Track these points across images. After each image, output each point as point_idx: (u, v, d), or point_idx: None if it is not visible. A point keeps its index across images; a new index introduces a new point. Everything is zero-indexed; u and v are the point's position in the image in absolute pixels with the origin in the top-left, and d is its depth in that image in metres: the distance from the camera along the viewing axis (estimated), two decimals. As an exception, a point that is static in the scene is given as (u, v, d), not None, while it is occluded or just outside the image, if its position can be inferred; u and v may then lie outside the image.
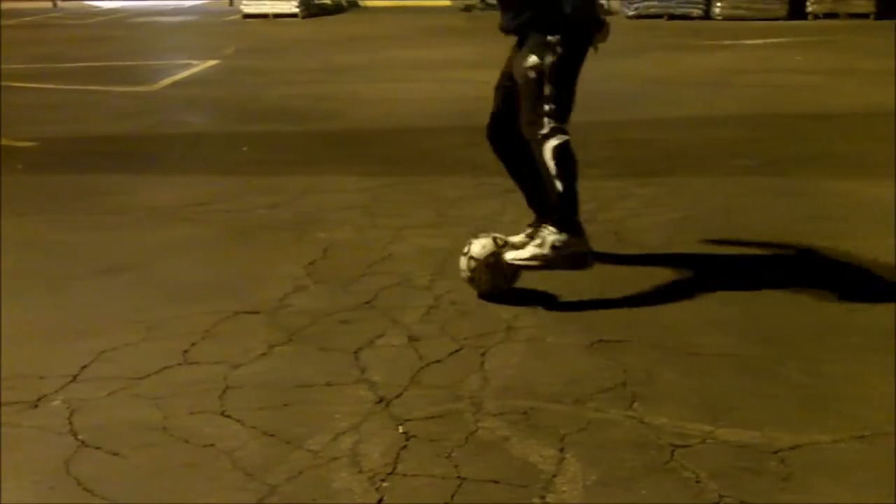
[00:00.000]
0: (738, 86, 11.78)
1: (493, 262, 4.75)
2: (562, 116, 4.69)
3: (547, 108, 4.66)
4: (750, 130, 8.90)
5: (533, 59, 4.64)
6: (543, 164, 4.68)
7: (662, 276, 5.06)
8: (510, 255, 4.75)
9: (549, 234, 4.70)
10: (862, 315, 4.54)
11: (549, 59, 4.63)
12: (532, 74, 4.65)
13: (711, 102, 10.51)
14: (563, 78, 4.67)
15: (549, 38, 4.64)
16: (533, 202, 5.12)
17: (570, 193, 4.71)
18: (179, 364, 4.08)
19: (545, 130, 4.65)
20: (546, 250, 4.69)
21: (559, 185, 4.67)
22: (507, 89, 4.91)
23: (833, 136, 8.60)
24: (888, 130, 8.79)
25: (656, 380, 3.88)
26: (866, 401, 3.69)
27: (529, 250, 4.74)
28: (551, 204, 4.74)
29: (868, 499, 3.06)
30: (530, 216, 5.18)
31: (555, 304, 4.70)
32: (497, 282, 4.79)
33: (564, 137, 4.65)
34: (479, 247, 4.78)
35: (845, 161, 7.63)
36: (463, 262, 4.81)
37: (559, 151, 4.64)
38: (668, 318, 4.53)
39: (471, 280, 4.80)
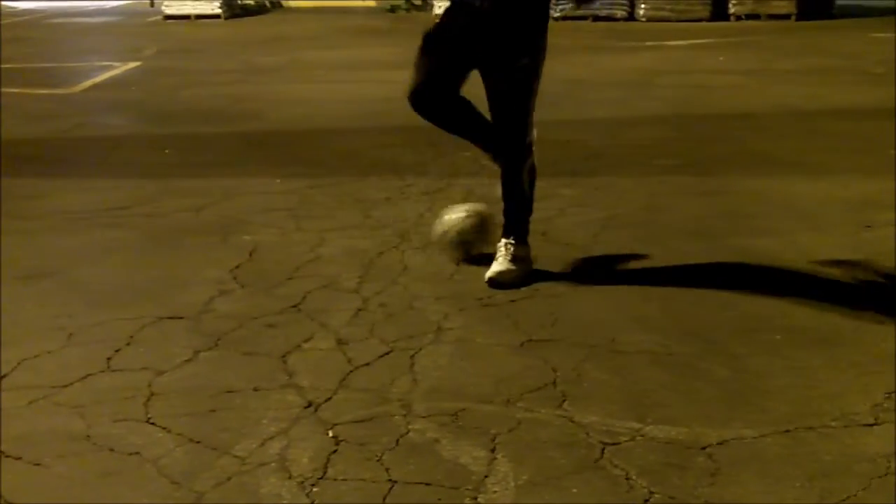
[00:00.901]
0: (661, 86, 11.89)
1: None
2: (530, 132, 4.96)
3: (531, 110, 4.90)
4: (672, 130, 8.99)
5: (527, 60, 4.80)
6: (519, 175, 4.96)
7: (588, 274, 5.09)
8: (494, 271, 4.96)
9: (516, 249, 5.00)
10: (783, 311, 4.60)
11: (537, 60, 4.83)
12: (524, 75, 4.79)
13: (634, 103, 10.59)
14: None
15: (540, 40, 4.81)
16: (487, 145, 5.08)
17: (530, 207, 5.13)
18: (102, 371, 4.02)
19: (529, 140, 4.93)
20: (519, 266, 4.97)
21: (530, 202, 5.10)
22: (453, 56, 4.86)
23: (752, 135, 8.71)
24: (803, 129, 8.95)
25: (585, 378, 3.90)
26: (788, 396, 3.74)
27: (505, 265, 4.97)
28: (522, 218, 5.05)
29: (792, 492, 3.10)
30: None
31: (484, 305, 4.70)
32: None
33: (532, 155, 5.00)
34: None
35: (763, 159, 7.73)
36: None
37: (533, 171, 5.06)
38: (595, 316, 4.55)
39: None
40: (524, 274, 4.96)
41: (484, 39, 4.80)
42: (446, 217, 5.31)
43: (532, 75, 4.83)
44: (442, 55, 4.88)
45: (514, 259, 4.97)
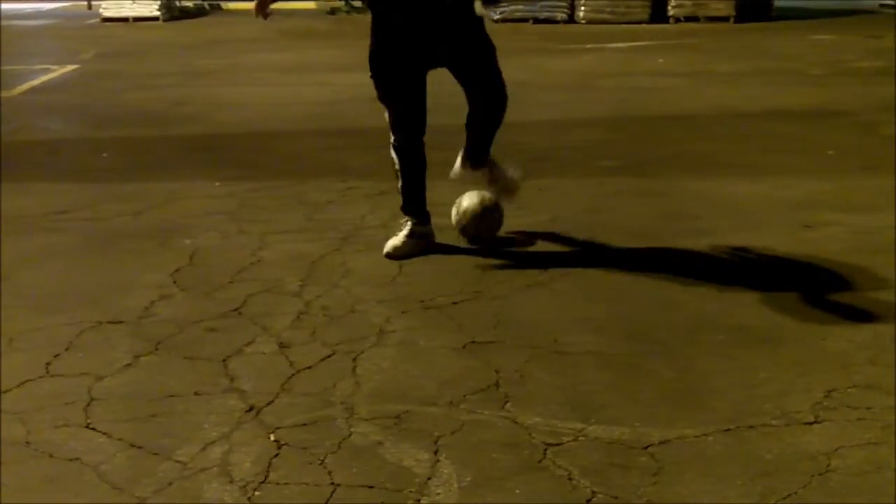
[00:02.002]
0: (602, 88, 11.94)
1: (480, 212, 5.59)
2: None
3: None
4: (613, 132, 9.03)
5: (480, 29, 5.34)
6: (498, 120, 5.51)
7: (531, 276, 5.10)
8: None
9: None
10: (726, 311, 4.63)
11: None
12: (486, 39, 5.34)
13: (576, 105, 10.63)
14: None
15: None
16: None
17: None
18: (42, 377, 3.97)
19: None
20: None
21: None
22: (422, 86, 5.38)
23: (692, 137, 8.77)
24: (743, 130, 9.03)
25: (528, 380, 3.91)
26: (731, 395, 3.76)
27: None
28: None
29: (734, 491, 3.12)
30: (399, 219, 5.53)
31: (426, 307, 4.69)
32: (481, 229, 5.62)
33: None
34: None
35: (704, 161, 7.78)
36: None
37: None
38: (538, 317, 4.56)
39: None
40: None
41: (446, 28, 5.23)
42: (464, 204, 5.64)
43: (488, 39, 5.35)
44: (412, 90, 5.36)
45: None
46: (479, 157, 5.63)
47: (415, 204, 5.52)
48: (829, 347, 4.19)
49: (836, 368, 3.97)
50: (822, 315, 4.57)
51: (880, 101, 10.59)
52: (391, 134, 5.45)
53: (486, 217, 5.62)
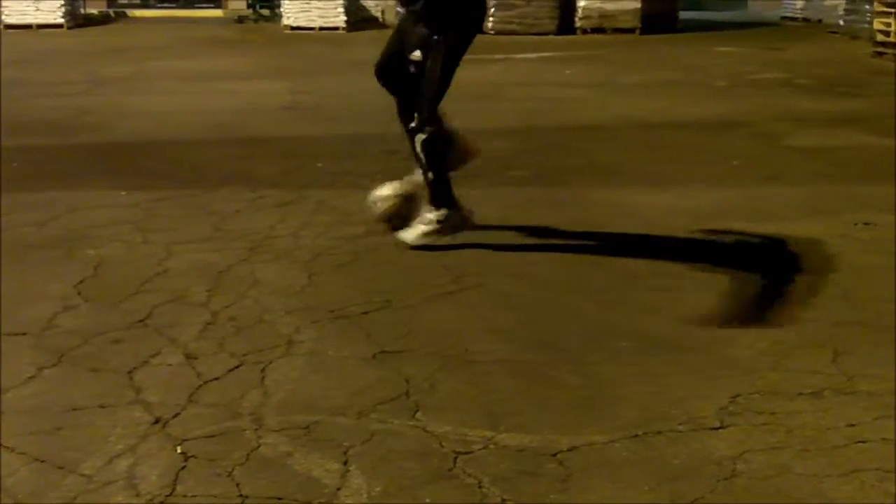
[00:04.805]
0: (510, 99, 12.02)
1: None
2: (434, 109, 5.58)
3: (425, 101, 5.55)
4: (522, 142, 9.09)
5: (417, 54, 5.51)
6: (417, 153, 5.63)
7: (441, 285, 5.11)
8: (405, 237, 5.69)
9: (431, 213, 5.68)
10: (631, 318, 4.68)
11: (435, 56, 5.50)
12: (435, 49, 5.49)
13: (484, 116, 10.63)
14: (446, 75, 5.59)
15: (435, 36, 5.47)
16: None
17: (441, 176, 5.70)
18: (-59, 390, 3.88)
19: (415, 123, 5.57)
20: (434, 226, 5.68)
21: (430, 172, 5.65)
22: (400, 36, 5.74)
23: (599, 147, 8.87)
24: (648, 141, 9.16)
25: (438, 388, 3.91)
26: (637, 401, 3.80)
27: (419, 229, 5.69)
28: (429, 186, 5.69)
29: (642, 497, 3.15)
30: (309, 228, 5.73)
31: (336, 317, 4.67)
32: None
33: (430, 129, 5.55)
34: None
35: (610, 171, 7.88)
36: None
37: (427, 145, 5.57)
38: (448, 326, 4.57)
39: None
40: (436, 234, 5.73)
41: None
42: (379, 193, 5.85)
43: (441, 50, 5.51)
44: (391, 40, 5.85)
45: (429, 222, 5.74)
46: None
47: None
48: (733, 354, 4.25)
49: (739, 374, 4.03)
50: (726, 323, 4.64)
51: (782, 111, 10.84)
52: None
53: (408, 201, 5.82)
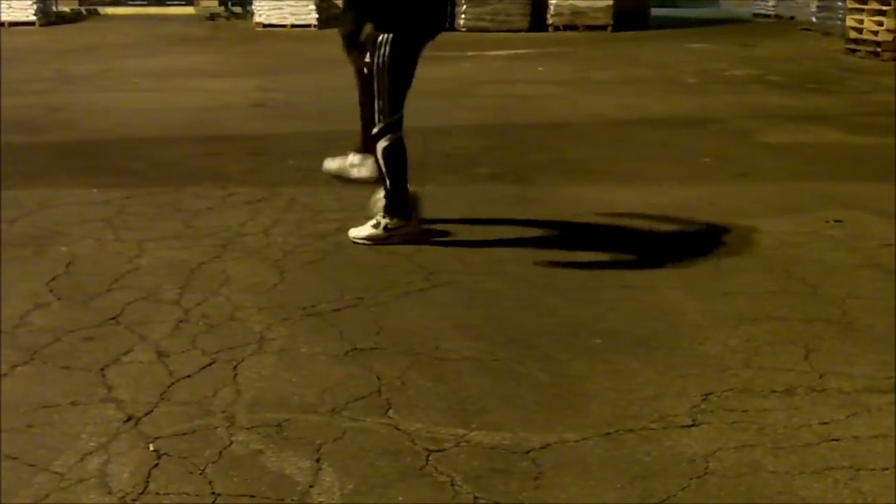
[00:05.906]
0: (481, 96, 12.04)
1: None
2: (393, 112, 5.52)
3: (379, 104, 5.49)
4: (492, 139, 9.10)
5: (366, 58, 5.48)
6: (376, 160, 5.59)
7: (412, 283, 5.11)
8: (352, 233, 5.71)
9: (384, 219, 5.65)
10: (602, 316, 4.69)
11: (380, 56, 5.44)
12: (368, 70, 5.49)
13: (455, 113, 10.68)
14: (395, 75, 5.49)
15: (381, 36, 5.44)
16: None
17: (399, 185, 5.64)
18: (-90, 389, 3.85)
19: (375, 130, 5.53)
20: (381, 232, 5.65)
21: (388, 181, 5.61)
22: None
23: (569, 144, 8.89)
24: (619, 137, 9.19)
25: (409, 386, 3.91)
26: (609, 399, 3.82)
27: (367, 230, 5.67)
28: (385, 194, 5.65)
29: (613, 494, 3.17)
30: (280, 225, 5.73)
31: (307, 314, 4.67)
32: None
33: (393, 137, 5.52)
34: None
35: (581, 168, 7.90)
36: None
37: (387, 152, 5.54)
38: (419, 324, 4.57)
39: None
40: (381, 242, 5.67)
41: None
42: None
43: (385, 49, 5.46)
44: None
45: (378, 226, 5.70)
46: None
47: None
48: (705, 351, 4.27)
49: (711, 372, 4.05)
50: (696, 319, 4.66)
51: (753, 108, 10.89)
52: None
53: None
